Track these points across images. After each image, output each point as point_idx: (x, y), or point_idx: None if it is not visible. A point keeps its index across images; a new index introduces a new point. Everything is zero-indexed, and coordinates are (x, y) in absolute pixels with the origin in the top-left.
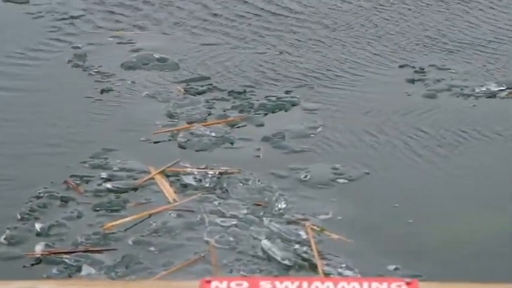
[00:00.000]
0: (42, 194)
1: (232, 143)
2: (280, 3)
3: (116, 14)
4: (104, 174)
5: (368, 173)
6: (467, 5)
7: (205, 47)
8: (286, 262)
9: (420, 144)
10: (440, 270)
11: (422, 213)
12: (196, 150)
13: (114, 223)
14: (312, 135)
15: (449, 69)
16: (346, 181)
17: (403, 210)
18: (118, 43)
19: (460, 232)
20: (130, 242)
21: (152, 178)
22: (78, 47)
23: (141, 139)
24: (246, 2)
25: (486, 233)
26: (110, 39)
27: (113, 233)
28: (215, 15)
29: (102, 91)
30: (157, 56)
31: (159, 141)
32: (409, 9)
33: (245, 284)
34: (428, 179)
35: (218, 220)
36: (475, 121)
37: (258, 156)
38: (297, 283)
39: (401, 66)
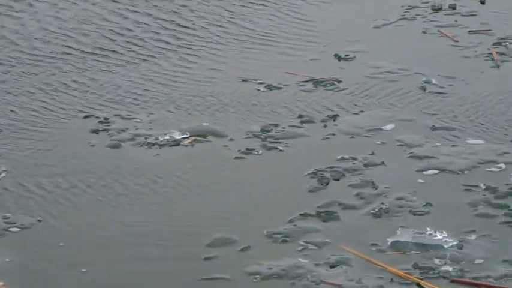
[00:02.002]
0: None
1: None
2: None
3: None
4: None
5: (41, 220)
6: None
7: None
8: None
9: (95, 192)
10: None
11: (97, 259)
12: None
13: None
14: None
15: (135, 118)
16: (19, 229)
17: (75, 258)
18: None
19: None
20: None
21: None
22: None
23: None
24: None
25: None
26: None
27: None
28: None
29: None
30: None
31: None
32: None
33: None
34: (100, 228)
35: None
36: (160, 169)
37: None
38: None
39: (86, 117)
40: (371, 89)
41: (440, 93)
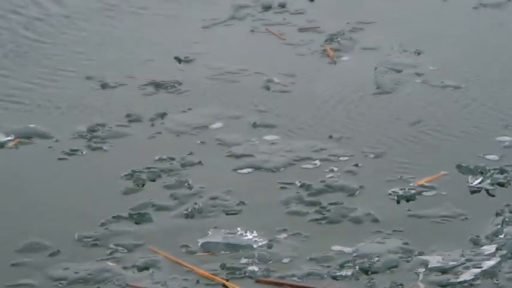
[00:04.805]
0: None
1: None
2: None
3: None
4: None
5: None
6: None
7: None
8: None
9: None
10: None
11: None
12: None
13: None
14: None
15: None
16: None
17: None
18: None
19: None
20: None
21: None
22: None
23: None
24: None
25: None
26: None
27: None
28: None
29: None
30: None
31: None
32: None
33: None
34: None
35: None
36: None
37: None
38: None
39: None
40: (212, 90)
41: (284, 91)
